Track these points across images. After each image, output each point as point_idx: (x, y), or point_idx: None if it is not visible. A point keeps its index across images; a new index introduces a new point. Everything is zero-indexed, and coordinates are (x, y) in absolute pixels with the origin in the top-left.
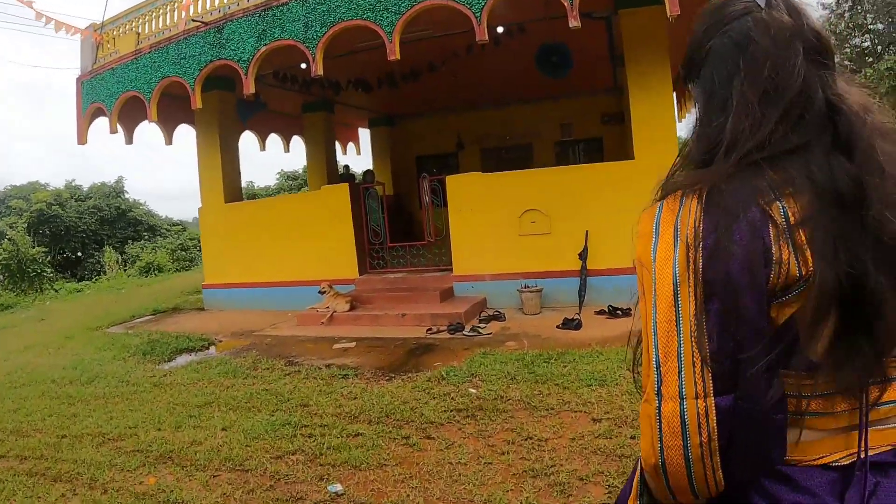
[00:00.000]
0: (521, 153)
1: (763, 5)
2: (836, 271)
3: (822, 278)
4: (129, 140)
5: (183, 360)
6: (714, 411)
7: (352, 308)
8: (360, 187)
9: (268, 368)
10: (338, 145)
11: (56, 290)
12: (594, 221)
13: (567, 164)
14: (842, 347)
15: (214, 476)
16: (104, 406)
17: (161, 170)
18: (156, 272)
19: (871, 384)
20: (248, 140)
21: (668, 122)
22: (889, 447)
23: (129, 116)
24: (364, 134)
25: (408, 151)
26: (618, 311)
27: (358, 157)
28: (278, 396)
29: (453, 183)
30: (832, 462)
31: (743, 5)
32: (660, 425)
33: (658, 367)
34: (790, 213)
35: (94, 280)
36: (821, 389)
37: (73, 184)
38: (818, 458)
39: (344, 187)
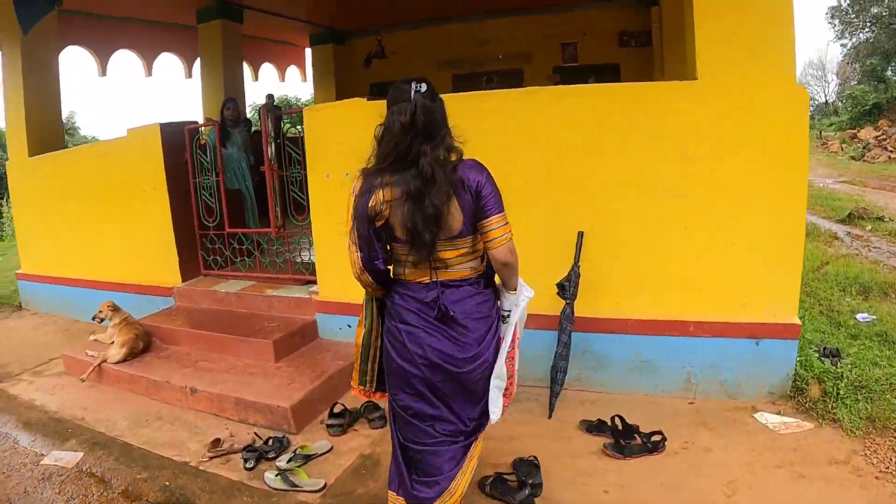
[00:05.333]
0: (506, 82)
1: (410, 99)
2: (403, 222)
3: (401, 222)
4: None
5: None
6: (359, 256)
7: (141, 350)
8: (185, 130)
9: None
10: (274, 70)
11: None
12: (598, 211)
13: None
14: (413, 245)
15: None
16: None
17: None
18: None
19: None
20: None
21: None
22: (448, 279)
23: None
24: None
25: (359, 78)
26: (630, 439)
27: (304, 84)
28: None
29: (314, 120)
30: (421, 280)
31: (400, 95)
32: (353, 263)
33: (351, 246)
34: (385, 192)
35: None
36: (410, 256)
37: None
38: (416, 279)
39: (154, 130)
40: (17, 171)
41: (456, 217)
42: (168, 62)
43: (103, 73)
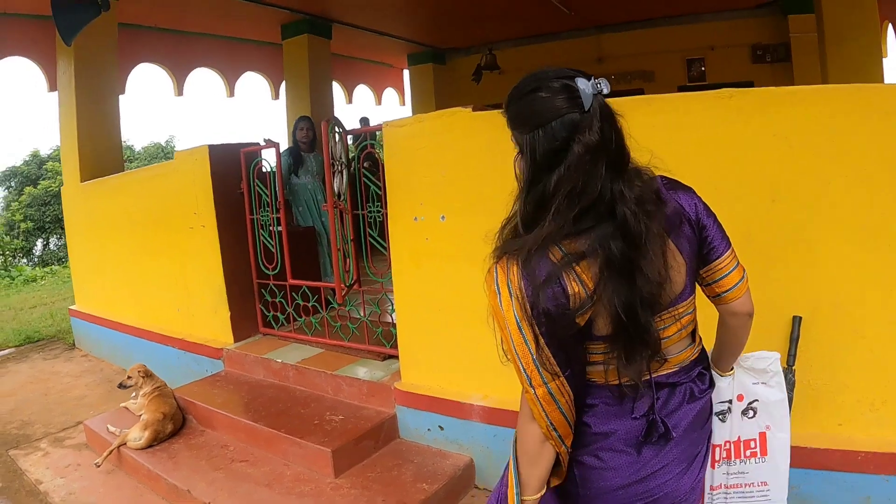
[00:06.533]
0: None
1: (586, 108)
2: (611, 310)
3: (608, 310)
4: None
5: None
6: (566, 382)
7: (169, 434)
8: (241, 153)
9: None
10: (369, 93)
11: (12, 278)
12: (824, 284)
13: None
14: (620, 340)
15: None
16: None
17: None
18: None
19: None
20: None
21: None
22: (665, 373)
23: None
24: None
25: (463, 100)
26: None
27: (402, 107)
28: None
29: (397, 139)
30: (624, 384)
31: (565, 103)
32: (539, 402)
33: (524, 371)
34: (580, 270)
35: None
36: (613, 354)
37: (126, 144)
38: (613, 381)
39: (202, 154)
40: (70, 197)
41: (677, 268)
42: (254, 82)
43: (179, 92)
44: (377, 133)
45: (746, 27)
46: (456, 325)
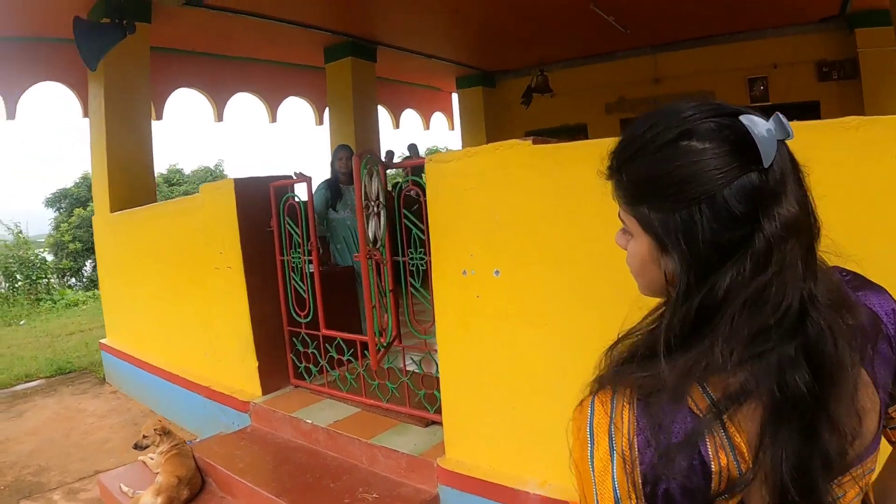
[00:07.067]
0: None
1: (768, 164)
2: (773, 481)
3: (768, 483)
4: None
5: None
6: None
7: (185, 500)
8: (270, 188)
9: None
10: (417, 117)
11: (54, 301)
12: None
13: None
14: None
15: None
16: None
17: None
18: None
19: None
20: None
21: None
22: None
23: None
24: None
25: (513, 124)
26: None
27: (451, 132)
28: None
29: (442, 176)
30: None
31: (735, 158)
32: None
33: None
34: (734, 428)
35: None
36: None
37: (175, 167)
38: None
39: (227, 189)
40: (101, 227)
41: (872, 408)
42: (297, 107)
43: (219, 118)
44: (422, 167)
45: (810, 43)
46: (510, 397)
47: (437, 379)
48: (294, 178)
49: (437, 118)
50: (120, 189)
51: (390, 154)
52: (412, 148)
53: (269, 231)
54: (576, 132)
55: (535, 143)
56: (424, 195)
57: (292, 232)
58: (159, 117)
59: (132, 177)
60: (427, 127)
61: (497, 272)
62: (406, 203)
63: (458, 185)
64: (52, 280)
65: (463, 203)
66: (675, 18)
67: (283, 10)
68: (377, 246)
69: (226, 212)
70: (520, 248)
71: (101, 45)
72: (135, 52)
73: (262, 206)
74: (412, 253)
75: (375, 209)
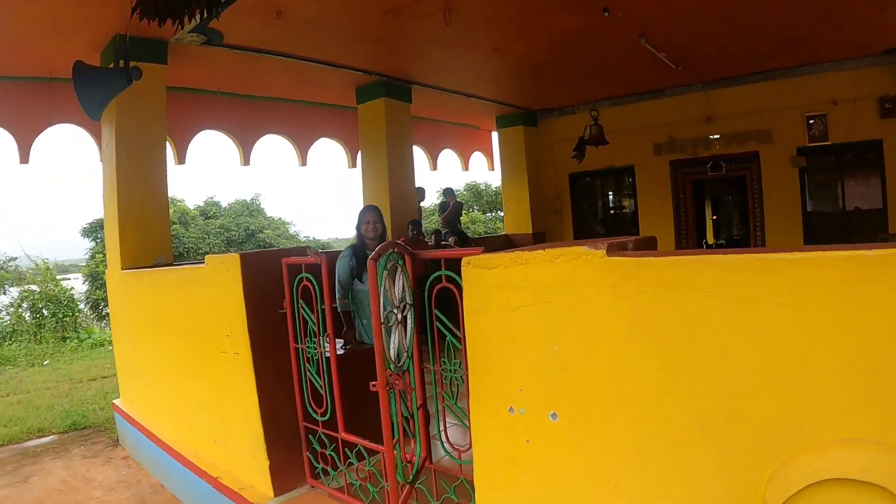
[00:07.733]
0: (737, 168)
1: None
2: None
3: None
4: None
5: None
6: None
7: None
8: (282, 263)
9: None
10: (455, 157)
11: (80, 340)
12: None
13: (822, 188)
14: None
15: None
16: None
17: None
18: None
19: None
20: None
21: None
22: None
23: None
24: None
25: (555, 165)
26: None
27: (491, 172)
28: None
29: (482, 289)
30: None
31: None
32: None
33: None
34: None
35: None
36: None
37: (212, 200)
38: None
39: (233, 265)
40: (113, 283)
41: None
42: (329, 148)
43: (246, 161)
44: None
45: (872, 77)
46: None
47: None
48: (309, 254)
49: (477, 158)
50: (132, 244)
51: (421, 191)
52: (448, 192)
53: (282, 313)
54: (623, 174)
55: (609, 253)
56: (460, 293)
57: (307, 318)
58: (181, 161)
59: (144, 232)
60: (466, 168)
61: (554, 416)
62: (438, 303)
63: (506, 302)
64: (79, 316)
65: (511, 324)
66: (729, 53)
67: (310, 49)
68: (401, 363)
69: (232, 293)
70: (586, 389)
71: (104, 92)
72: (149, 95)
73: (273, 285)
74: (445, 362)
75: (399, 316)
